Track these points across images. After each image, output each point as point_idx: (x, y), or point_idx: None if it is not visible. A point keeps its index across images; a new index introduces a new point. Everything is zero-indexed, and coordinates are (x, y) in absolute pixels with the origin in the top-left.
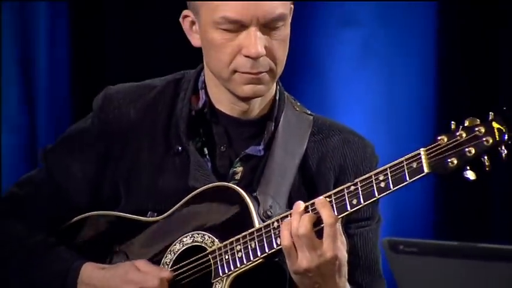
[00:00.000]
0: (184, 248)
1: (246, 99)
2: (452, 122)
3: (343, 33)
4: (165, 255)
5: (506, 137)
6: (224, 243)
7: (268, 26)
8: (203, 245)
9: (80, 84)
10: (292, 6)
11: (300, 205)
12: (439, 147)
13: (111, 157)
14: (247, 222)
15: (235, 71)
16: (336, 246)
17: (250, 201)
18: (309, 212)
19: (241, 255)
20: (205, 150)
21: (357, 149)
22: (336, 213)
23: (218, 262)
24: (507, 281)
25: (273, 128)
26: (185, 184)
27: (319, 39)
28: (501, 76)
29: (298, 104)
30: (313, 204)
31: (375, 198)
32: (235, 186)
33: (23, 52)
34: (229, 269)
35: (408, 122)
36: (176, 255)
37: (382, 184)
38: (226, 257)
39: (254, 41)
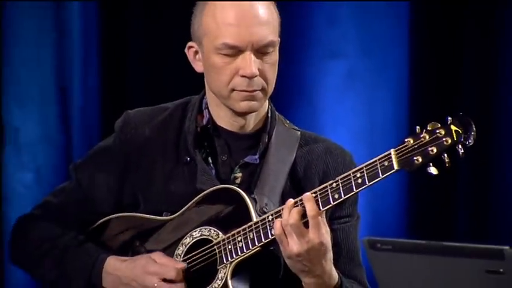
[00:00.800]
0: (193, 241)
1: (243, 114)
2: (417, 126)
3: (329, 63)
4: (178, 247)
5: (462, 138)
6: (227, 235)
7: (260, 51)
8: (209, 237)
9: (107, 108)
10: (279, 38)
11: (291, 200)
12: (406, 147)
13: (130, 170)
14: (246, 217)
15: (233, 90)
16: (321, 233)
17: (249, 200)
18: (297, 206)
19: (242, 245)
20: (210, 160)
21: (337, 157)
22: (322, 206)
23: (222, 251)
24: (468, 274)
25: (266, 140)
26: (193, 188)
27: (309, 68)
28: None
29: (288, 121)
30: (301, 200)
31: (353, 192)
32: (237, 188)
33: (61, 80)
34: (232, 257)
35: (384, 139)
36: (187, 247)
37: (359, 180)
38: (229, 246)
39: (249, 63)
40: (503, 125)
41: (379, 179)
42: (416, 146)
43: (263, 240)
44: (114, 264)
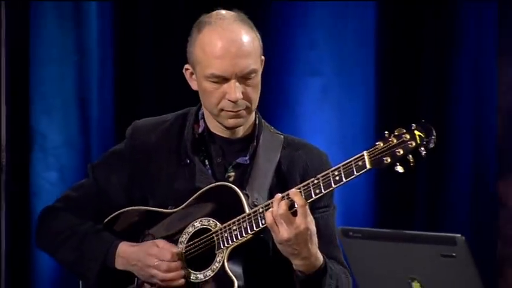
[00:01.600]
0: (195, 230)
1: (231, 129)
2: (386, 132)
3: (308, 80)
4: (181, 235)
5: (424, 142)
6: (224, 225)
7: (243, 77)
8: (208, 227)
9: (120, 117)
10: (263, 57)
11: (279, 195)
12: (377, 149)
13: (139, 170)
14: (240, 209)
15: (221, 110)
16: (307, 221)
17: (242, 195)
18: (284, 199)
19: (237, 233)
20: (206, 162)
21: (315, 157)
22: (308, 198)
23: (220, 238)
24: (426, 258)
25: (255, 144)
26: (193, 186)
27: (291, 84)
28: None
29: (272, 128)
30: (288, 194)
31: (332, 188)
32: (231, 184)
33: (80, 93)
34: (228, 243)
35: (353, 144)
36: (189, 235)
37: (337, 177)
38: (226, 234)
39: (234, 90)
40: (456, 130)
41: (354, 176)
42: (385, 148)
43: (255, 228)
44: (125, 249)
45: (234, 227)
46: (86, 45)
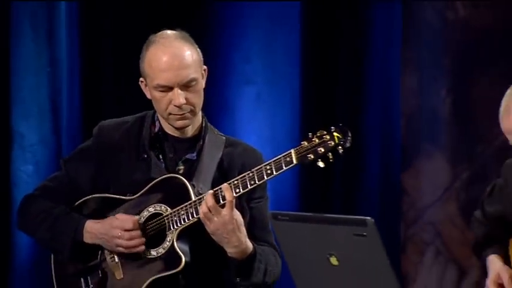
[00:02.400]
0: (149, 214)
1: (179, 129)
2: (310, 133)
3: (244, 88)
4: (138, 219)
5: (342, 142)
6: (173, 210)
7: (185, 86)
8: (161, 211)
9: (86, 119)
10: (205, 67)
11: (210, 191)
12: (302, 148)
13: (104, 163)
14: (187, 197)
15: (170, 114)
16: (234, 212)
17: (189, 185)
18: (217, 193)
19: (184, 217)
20: (161, 157)
21: (251, 155)
22: (242, 189)
23: (170, 221)
24: (342, 237)
25: (201, 143)
26: (149, 177)
27: (231, 92)
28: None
29: (216, 130)
30: (220, 188)
31: (264, 179)
32: (181, 176)
33: (53, 99)
34: (177, 225)
35: (283, 144)
36: (145, 218)
37: (269, 171)
38: (175, 218)
39: (177, 96)
40: (367, 130)
41: (283, 170)
42: (309, 147)
43: (198, 214)
44: (91, 226)
45: (182, 212)
46: (57, 59)
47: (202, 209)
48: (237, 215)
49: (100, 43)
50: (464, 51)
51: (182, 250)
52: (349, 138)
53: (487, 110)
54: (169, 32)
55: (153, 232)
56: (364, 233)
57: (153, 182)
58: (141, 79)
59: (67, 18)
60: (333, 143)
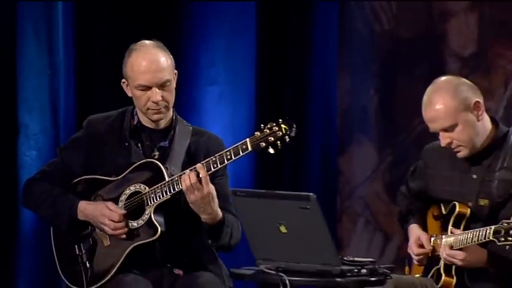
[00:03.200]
0: (130, 192)
1: (155, 122)
2: (262, 125)
3: (209, 88)
4: (121, 196)
5: (288, 132)
6: (150, 188)
7: (161, 86)
8: (140, 190)
9: (79, 115)
10: (176, 71)
11: (189, 169)
12: (255, 137)
13: (92, 151)
14: (161, 178)
15: (148, 109)
16: (209, 186)
17: (163, 167)
18: (193, 171)
19: (159, 194)
20: (139, 145)
21: (214, 142)
22: (208, 170)
23: (148, 198)
24: (290, 210)
25: (173, 133)
26: (130, 161)
27: (197, 92)
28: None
29: (185, 121)
30: (195, 167)
31: (225, 163)
32: (156, 160)
33: (53, 98)
34: (154, 201)
35: (241, 134)
36: (127, 196)
37: (229, 156)
38: (152, 195)
39: (155, 95)
40: (310, 122)
41: (240, 155)
42: (261, 136)
43: (172, 191)
44: (84, 206)
45: (158, 190)
46: (55, 63)
47: (186, 183)
48: (212, 188)
49: (92, 50)
50: (388, 58)
51: (158, 222)
52: (294, 129)
53: (407, 106)
54: (147, 41)
55: (134, 207)
56: (308, 206)
57: (133, 166)
58: (123, 80)
59: (64, 29)
60: (280, 133)
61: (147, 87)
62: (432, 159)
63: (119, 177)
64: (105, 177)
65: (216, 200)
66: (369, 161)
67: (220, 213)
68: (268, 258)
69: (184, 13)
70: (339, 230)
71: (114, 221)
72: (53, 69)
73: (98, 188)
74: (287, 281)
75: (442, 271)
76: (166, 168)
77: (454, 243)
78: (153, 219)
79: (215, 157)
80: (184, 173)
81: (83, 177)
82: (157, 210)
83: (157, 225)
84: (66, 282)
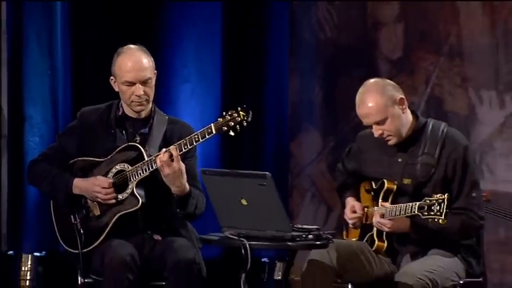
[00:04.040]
0: (116, 170)
1: (137, 113)
2: (223, 112)
3: (182, 86)
4: (109, 173)
5: (245, 118)
6: (133, 167)
7: (143, 82)
8: (124, 168)
9: (75, 107)
10: (155, 71)
11: (164, 149)
12: (218, 122)
13: (85, 137)
14: (142, 158)
15: (132, 101)
16: (179, 164)
17: (143, 150)
18: (167, 152)
19: (140, 171)
20: (124, 132)
21: (186, 129)
22: (180, 151)
23: (131, 175)
24: (251, 186)
25: (151, 121)
26: (116, 145)
27: (172, 89)
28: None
29: (162, 112)
30: (169, 149)
31: (194, 144)
32: (138, 144)
33: (53, 94)
34: (135, 178)
35: (208, 121)
36: (113, 173)
37: (197, 139)
38: (134, 172)
39: (138, 89)
40: (266, 111)
41: (206, 138)
42: (223, 122)
43: (150, 169)
44: (78, 182)
45: (139, 168)
46: (55, 65)
47: (162, 160)
48: (182, 166)
49: (85, 54)
50: (330, 61)
51: (140, 194)
52: (250, 115)
53: (346, 101)
54: (132, 46)
55: (120, 182)
56: (265, 183)
57: (118, 149)
58: (111, 77)
59: (62, 38)
60: (239, 119)
61: (132, 83)
62: (365, 145)
63: (107, 158)
64: (96, 159)
65: (185, 176)
66: (314, 145)
67: (187, 187)
68: (232, 226)
69: (162, 16)
70: (290, 203)
71: (104, 188)
72: (52, 70)
73: (90, 167)
74: (247, 245)
75: (375, 237)
76: (146, 151)
77: (385, 214)
78: (135, 192)
79: (185, 140)
80: (159, 154)
81: (77, 159)
82: (139, 185)
83: (139, 198)
84: (64, 246)
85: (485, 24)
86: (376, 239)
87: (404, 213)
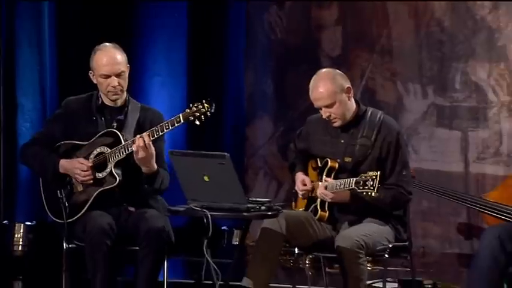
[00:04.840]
0: (97, 152)
1: (114, 101)
2: (190, 104)
3: (153, 79)
4: (91, 155)
5: (209, 109)
6: (111, 150)
7: (118, 75)
8: (103, 151)
9: (60, 97)
10: (128, 65)
11: (138, 135)
12: (186, 113)
13: (69, 123)
14: (119, 142)
15: (108, 91)
16: (152, 149)
17: (120, 135)
18: (141, 138)
19: (118, 154)
20: (103, 118)
21: (157, 115)
22: (151, 137)
23: (109, 157)
24: (212, 165)
25: (126, 109)
26: (96, 130)
27: (144, 82)
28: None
29: (135, 101)
30: (142, 135)
31: (164, 131)
32: (115, 130)
33: (41, 84)
34: (113, 159)
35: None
36: (94, 155)
37: (167, 126)
38: (112, 154)
39: (113, 81)
40: (225, 104)
41: (175, 126)
42: (190, 112)
43: (126, 152)
44: (63, 163)
45: (116, 151)
46: (43, 61)
47: (138, 145)
48: (152, 149)
49: (69, 51)
50: (281, 58)
51: (117, 173)
52: (213, 107)
53: (294, 92)
54: (107, 44)
55: (100, 162)
56: (224, 163)
57: (98, 134)
58: (90, 71)
59: (49, 38)
60: (204, 110)
61: (108, 76)
62: (313, 128)
63: (88, 142)
64: (79, 142)
65: (155, 158)
66: (267, 130)
67: (155, 166)
68: (196, 199)
69: (135, 16)
70: (246, 179)
71: (83, 171)
72: (41, 66)
73: (74, 149)
74: (209, 215)
75: (318, 207)
76: (122, 135)
77: (328, 187)
78: (113, 171)
79: (157, 127)
80: (134, 139)
81: (62, 142)
82: (116, 165)
83: (117, 176)
84: (51, 216)
85: (411, 27)
86: (319, 209)
87: (344, 187)
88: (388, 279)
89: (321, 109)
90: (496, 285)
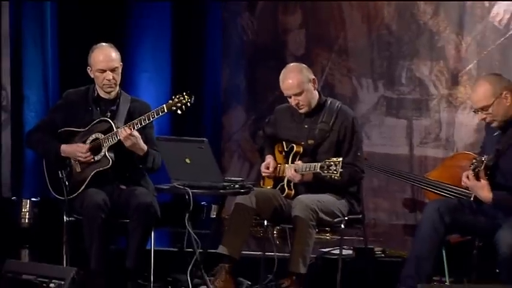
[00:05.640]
0: (92, 138)
1: (108, 93)
2: (173, 96)
3: (142, 75)
4: (87, 140)
5: (189, 99)
6: (105, 136)
7: (112, 70)
8: (98, 137)
9: (62, 89)
10: (121, 63)
11: (127, 124)
12: (169, 103)
13: (68, 113)
14: (111, 129)
15: (104, 85)
16: (136, 136)
17: (112, 123)
18: (129, 127)
19: (111, 139)
20: (98, 109)
21: (145, 106)
22: (140, 125)
23: (104, 141)
24: (193, 149)
25: (118, 101)
26: (92, 119)
27: (134, 77)
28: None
29: (126, 93)
30: (130, 124)
31: (151, 120)
32: (108, 118)
33: (44, 79)
34: (107, 143)
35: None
36: (90, 140)
37: (154, 115)
38: (107, 140)
39: (109, 75)
40: (205, 95)
41: (160, 115)
42: (173, 103)
43: (117, 138)
44: (64, 147)
45: (109, 137)
46: (46, 59)
47: (123, 135)
48: (138, 136)
49: (69, 49)
50: (253, 56)
51: (110, 156)
52: (193, 98)
53: (263, 86)
54: (104, 43)
55: (95, 147)
56: (203, 147)
57: (94, 122)
58: (88, 67)
59: (51, 39)
60: (184, 101)
61: (103, 71)
62: (280, 115)
63: (85, 129)
64: (77, 129)
65: (141, 142)
66: (240, 118)
67: (145, 148)
68: (179, 179)
69: (127, 17)
70: (222, 161)
71: (83, 153)
72: (44, 63)
73: (73, 135)
74: (190, 192)
75: (285, 186)
76: (115, 123)
77: (297, 169)
78: (107, 154)
79: (145, 116)
80: (123, 127)
81: (63, 129)
82: (110, 149)
83: (110, 159)
84: (54, 193)
85: (364, 30)
86: (286, 187)
87: (309, 170)
88: (345, 247)
89: (290, 97)
90: (436, 251)
